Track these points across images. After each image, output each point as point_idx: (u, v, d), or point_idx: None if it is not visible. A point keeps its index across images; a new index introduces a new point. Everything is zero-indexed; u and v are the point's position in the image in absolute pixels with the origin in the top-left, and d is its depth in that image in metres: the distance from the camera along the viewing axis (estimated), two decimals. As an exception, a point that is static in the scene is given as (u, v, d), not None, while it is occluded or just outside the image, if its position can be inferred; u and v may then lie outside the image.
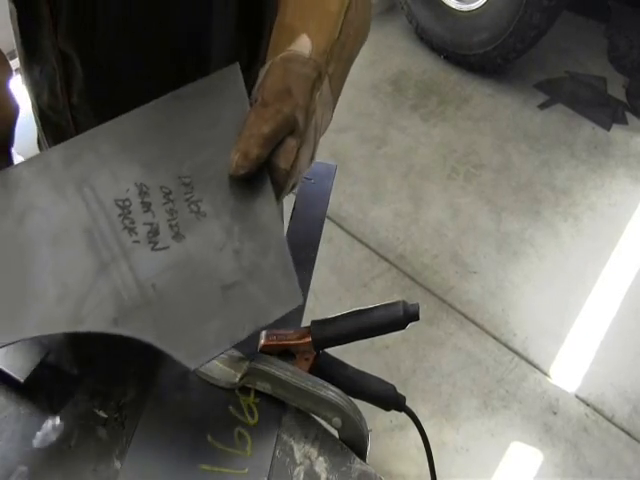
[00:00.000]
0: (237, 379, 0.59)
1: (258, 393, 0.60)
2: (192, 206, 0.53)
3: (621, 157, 2.65)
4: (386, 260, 2.20)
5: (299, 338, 0.60)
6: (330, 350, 0.62)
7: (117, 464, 0.55)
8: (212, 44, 0.74)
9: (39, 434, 0.57)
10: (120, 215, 0.52)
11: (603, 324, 2.09)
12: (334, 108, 0.62)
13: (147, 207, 0.53)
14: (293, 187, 0.57)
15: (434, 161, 2.56)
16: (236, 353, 0.61)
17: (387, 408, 0.63)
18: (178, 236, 0.53)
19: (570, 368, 1.97)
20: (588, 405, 1.88)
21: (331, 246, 2.20)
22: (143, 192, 0.53)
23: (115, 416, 0.59)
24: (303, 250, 0.85)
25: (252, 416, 0.59)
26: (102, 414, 0.59)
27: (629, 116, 2.83)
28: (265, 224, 0.54)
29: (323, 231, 0.89)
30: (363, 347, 1.88)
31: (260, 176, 0.53)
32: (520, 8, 2.55)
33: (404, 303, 0.59)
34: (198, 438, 0.57)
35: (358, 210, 2.35)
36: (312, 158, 0.57)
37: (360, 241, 2.25)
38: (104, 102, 0.76)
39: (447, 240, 2.28)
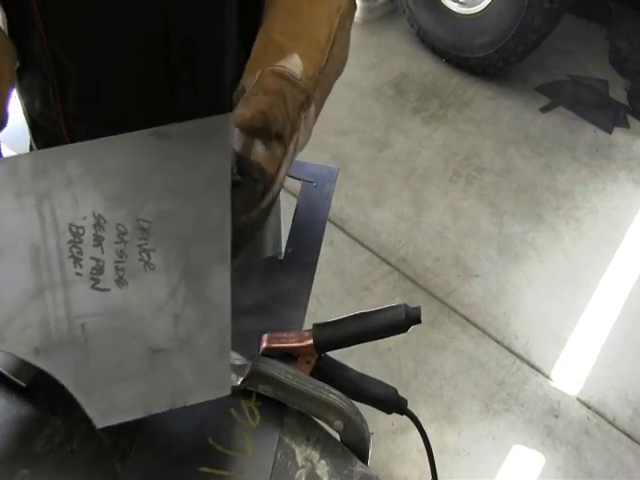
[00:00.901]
0: (239, 382, 0.59)
1: (260, 396, 0.59)
2: (143, 254, 0.50)
3: (623, 160, 2.65)
4: (388, 263, 2.20)
5: (301, 341, 0.60)
6: (332, 353, 0.62)
7: (118, 467, 0.55)
8: (226, 52, 0.74)
9: (40, 437, 0.57)
10: (70, 242, 0.50)
11: (605, 327, 2.08)
12: (309, 135, 0.61)
13: (98, 242, 0.50)
14: (271, 202, 0.56)
15: (435, 164, 2.56)
16: (237, 356, 0.61)
17: (389, 411, 0.63)
18: (121, 281, 0.50)
19: (572, 371, 1.96)
20: (590, 408, 1.88)
21: (333, 249, 2.20)
22: (99, 225, 0.50)
23: (117, 419, 0.59)
24: (305, 253, 0.85)
25: (254, 419, 0.59)
26: (104, 417, 0.59)
27: (631, 119, 2.83)
28: (213, 296, 0.50)
29: (325, 234, 0.90)
30: (365, 350, 1.88)
31: (219, 243, 0.50)
32: (522, 11, 2.55)
33: (406, 306, 0.59)
34: (199, 441, 0.57)
35: (360, 213, 2.35)
36: (284, 176, 0.57)
37: (362, 244, 2.25)
38: (100, 109, 0.75)
39: (449, 243, 2.28)
